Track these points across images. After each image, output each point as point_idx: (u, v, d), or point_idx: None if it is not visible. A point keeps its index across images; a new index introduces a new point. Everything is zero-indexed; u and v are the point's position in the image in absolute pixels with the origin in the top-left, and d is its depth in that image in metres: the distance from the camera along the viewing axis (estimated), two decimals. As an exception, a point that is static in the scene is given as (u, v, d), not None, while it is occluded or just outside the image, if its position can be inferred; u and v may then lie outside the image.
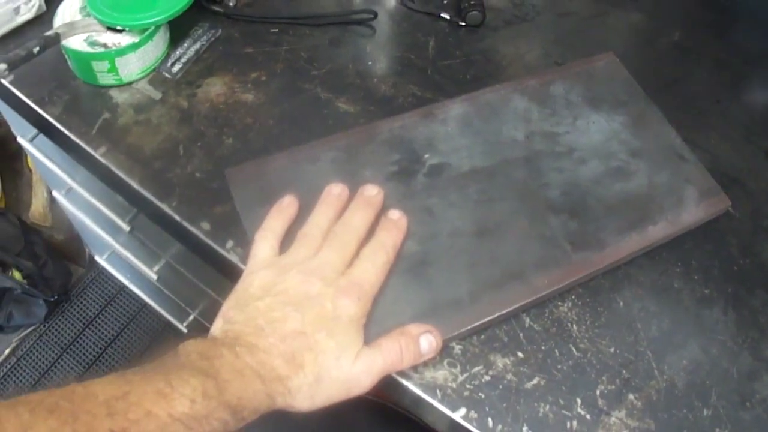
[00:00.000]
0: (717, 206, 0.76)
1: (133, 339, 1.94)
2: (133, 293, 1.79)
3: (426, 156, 0.74)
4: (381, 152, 0.74)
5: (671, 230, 0.73)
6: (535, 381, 0.64)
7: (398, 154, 0.74)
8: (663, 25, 0.98)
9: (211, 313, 0.61)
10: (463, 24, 0.91)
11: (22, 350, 1.89)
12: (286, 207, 0.67)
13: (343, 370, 0.56)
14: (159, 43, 0.80)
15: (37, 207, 1.91)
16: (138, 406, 0.46)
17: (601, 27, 0.96)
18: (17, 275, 1.81)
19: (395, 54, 0.88)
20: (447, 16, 0.92)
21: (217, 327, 0.59)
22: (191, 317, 1.56)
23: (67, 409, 0.44)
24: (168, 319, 1.70)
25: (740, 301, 0.72)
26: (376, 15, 0.89)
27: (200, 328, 1.54)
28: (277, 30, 0.88)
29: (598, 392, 0.64)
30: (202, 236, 0.70)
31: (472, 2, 0.90)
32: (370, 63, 0.86)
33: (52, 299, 1.89)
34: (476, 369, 0.64)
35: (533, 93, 0.81)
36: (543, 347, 0.66)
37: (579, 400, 0.64)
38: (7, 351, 1.88)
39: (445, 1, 0.94)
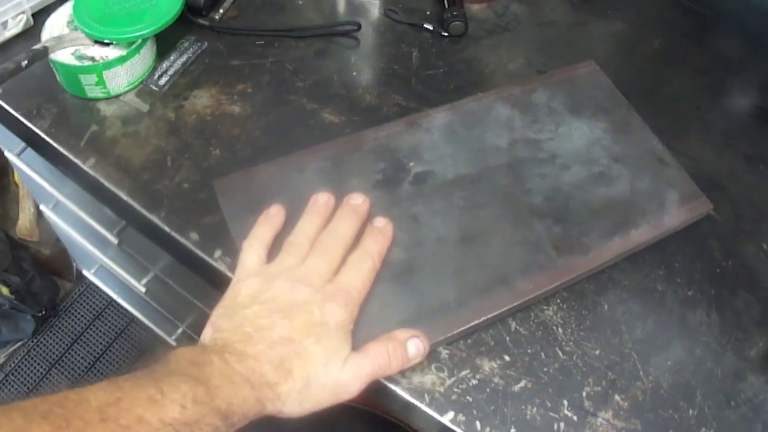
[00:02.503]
0: (698, 209, 0.76)
1: (122, 353, 1.93)
2: (122, 307, 1.79)
3: (411, 164, 0.75)
4: (366, 161, 0.75)
5: (654, 234, 0.73)
6: (522, 384, 0.65)
7: (383, 163, 0.75)
8: (643, 33, 0.99)
9: (199, 325, 0.61)
10: (446, 34, 0.92)
11: (10, 366, 1.88)
12: (273, 216, 0.68)
13: (332, 375, 0.57)
14: (146, 56, 0.81)
15: (24, 222, 1.91)
16: (130, 412, 0.46)
17: (582, 36, 0.97)
18: (5, 290, 1.80)
19: (379, 65, 0.89)
20: (430, 27, 0.93)
21: (206, 335, 0.59)
22: (180, 330, 1.56)
23: (60, 415, 0.44)
24: (157, 333, 1.70)
25: (723, 302, 0.73)
26: (360, 26, 0.90)
27: (189, 341, 1.54)
28: (262, 42, 0.88)
29: (584, 394, 0.65)
30: (190, 246, 0.70)
31: (454, 13, 0.91)
32: (354, 74, 0.87)
33: (40, 314, 1.88)
34: (463, 373, 0.65)
35: (516, 101, 0.82)
36: (529, 350, 0.67)
37: (566, 402, 0.64)
38: (-5, 367, 1.87)
39: (428, 12, 0.95)
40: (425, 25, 0.93)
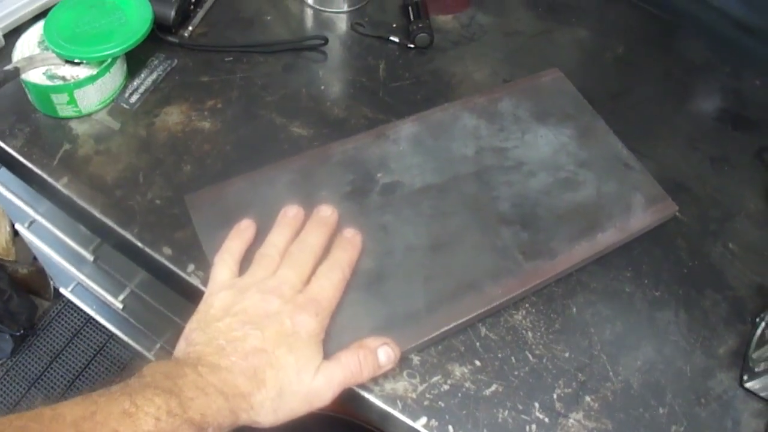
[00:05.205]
0: (664, 212, 0.78)
1: (102, 370, 1.93)
2: (100, 324, 1.78)
3: (379, 175, 0.76)
4: (335, 173, 0.75)
5: (620, 237, 0.75)
6: (493, 388, 0.66)
7: (352, 174, 0.75)
8: (607, 40, 1.01)
9: (177, 341, 0.62)
10: (412, 46, 0.93)
11: (-11, 386, 1.88)
12: (243, 230, 0.68)
13: (304, 384, 0.57)
14: (116, 75, 0.81)
15: (0, 241, 1.90)
16: (104, 426, 0.47)
17: (547, 44, 0.98)
18: (-18, 311, 1.80)
19: (347, 78, 0.90)
20: (396, 40, 0.93)
21: (180, 348, 0.60)
22: (158, 346, 1.55)
23: (35, 430, 0.45)
24: (136, 349, 1.70)
25: (691, 301, 0.74)
26: (327, 41, 0.91)
27: (167, 357, 1.53)
28: (231, 58, 0.89)
29: (555, 396, 0.66)
30: (164, 261, 0.71)
31: (420, 25, 0.92)
32: (322, 87, 0.88)
33: (18, 334, 1.87)
34: (435, 379, 0.65)
35: (482, 110, 0.83)
36: (499, 355, 0.68)
37: (537, 405, 0.65)
38: (-26, 387, 1.86)
39: (394, 25, 0.95)
40: (392, 38, 0.94)
